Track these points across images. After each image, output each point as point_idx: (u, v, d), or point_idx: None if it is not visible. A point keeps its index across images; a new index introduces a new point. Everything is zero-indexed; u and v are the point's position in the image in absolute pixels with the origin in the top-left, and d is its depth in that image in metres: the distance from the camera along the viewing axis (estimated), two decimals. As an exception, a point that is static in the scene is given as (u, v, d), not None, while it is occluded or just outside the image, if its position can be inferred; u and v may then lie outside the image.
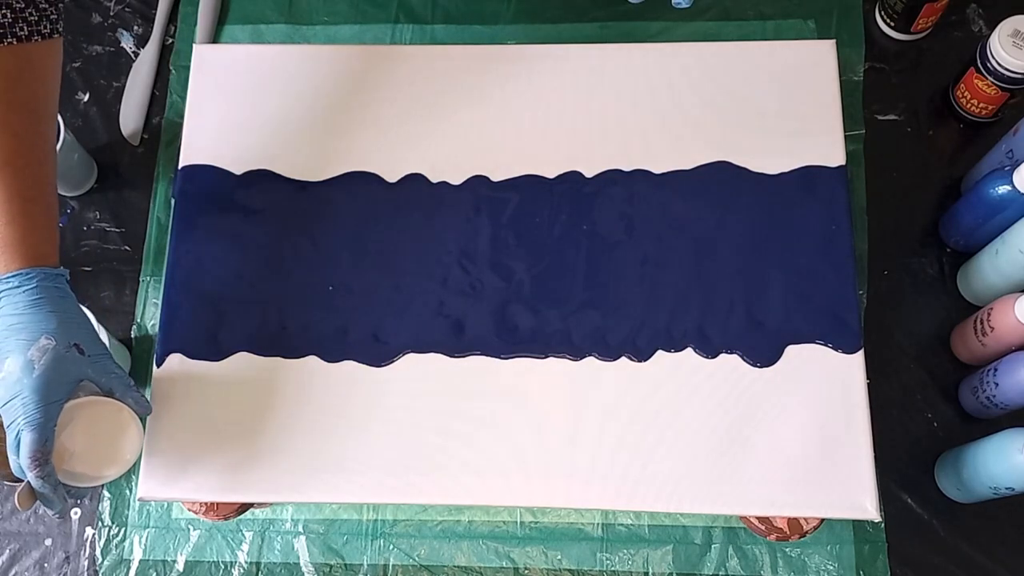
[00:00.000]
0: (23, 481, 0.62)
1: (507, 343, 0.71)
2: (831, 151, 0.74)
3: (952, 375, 0.81)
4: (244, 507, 0.73)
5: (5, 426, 0.61)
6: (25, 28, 0.63)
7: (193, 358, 0.71)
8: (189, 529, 0.80)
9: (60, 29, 0.66)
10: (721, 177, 0.74)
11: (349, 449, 0.68)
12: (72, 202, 0.90)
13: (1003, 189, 0.74)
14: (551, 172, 0.75)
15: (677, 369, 0.69)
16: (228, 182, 0.76)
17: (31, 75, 0.65)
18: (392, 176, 0.76)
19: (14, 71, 0.63)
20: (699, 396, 0.69)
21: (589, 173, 0.75)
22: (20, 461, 0.60)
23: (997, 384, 0.72)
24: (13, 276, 0.62)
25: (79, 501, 0.81)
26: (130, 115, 0.93)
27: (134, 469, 0.81)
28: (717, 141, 0.75)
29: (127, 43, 0.96)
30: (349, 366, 0.71)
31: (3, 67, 0.63)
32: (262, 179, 0.76)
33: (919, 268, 0.84)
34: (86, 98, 0.94)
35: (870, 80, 0.90)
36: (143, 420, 0.68)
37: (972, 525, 0.77)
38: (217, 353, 0.71)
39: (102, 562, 0.79)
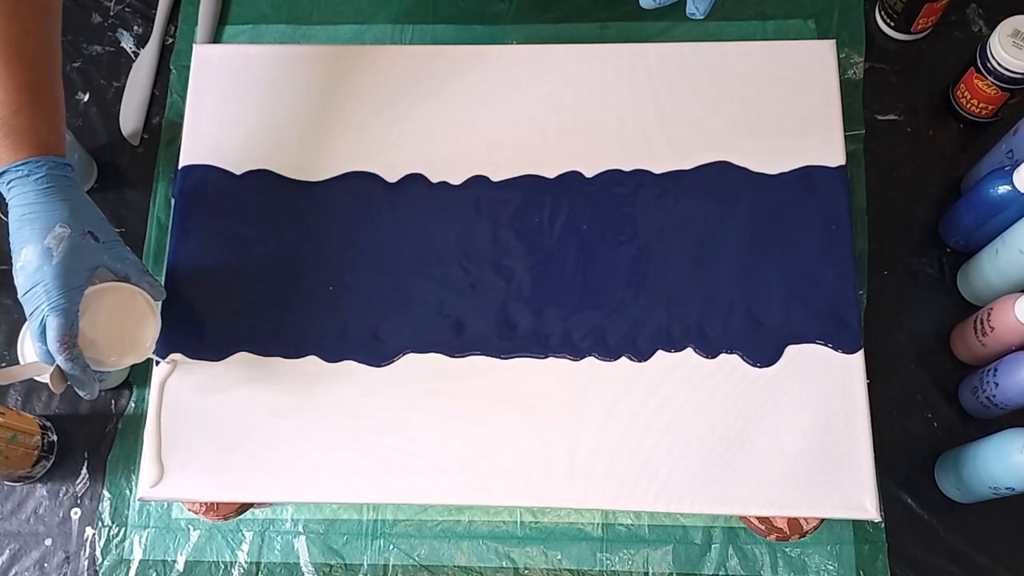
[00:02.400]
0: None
1: (507, 343, 0.71)
2: (831, 151, 0.74)
3: (952, 375, 0.81)
4: (244, 507, 0.73)
5: (28, 314, 0.61)
6: None
7: (193, 358, 0.71)
8: (189, 529, 0.80)
9: None
10: (721, 177, 0.74)
11: (349, 449, 0.68)
12: (72, 202, 0.90)
13: (1003, 189, 0.74)
14: (551, 172, 0.75)
15: (677, 369, 0.69)
16: (228, 182, 0.76)
17: None
18: (392, 176, 0.76)
19: None
20: (699, 396, 0.68)
21: (589, 173, 0.75)
22: (48, 346, 0.61)
23: (997, 384, 0.72)
24: (23, 164, 0.62)
25: (79, 501, 0.81)
26: (130, 115, 0.93)
27: (135, 467, 0.81)
28: (717, 141, 0.75)
29: (127, 43, 0.96)
30: (349, 366, 0.71)
31: None
32: (262, 179, 0.76)
33: (919, 268, 0.84)
34: (86, 98, 0.94)
35: (870, 80, 0.90)
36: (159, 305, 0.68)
37: (972, 525, 0.77)
38: (217, 353, 0.71)
39: (102, 562, 0.79)
